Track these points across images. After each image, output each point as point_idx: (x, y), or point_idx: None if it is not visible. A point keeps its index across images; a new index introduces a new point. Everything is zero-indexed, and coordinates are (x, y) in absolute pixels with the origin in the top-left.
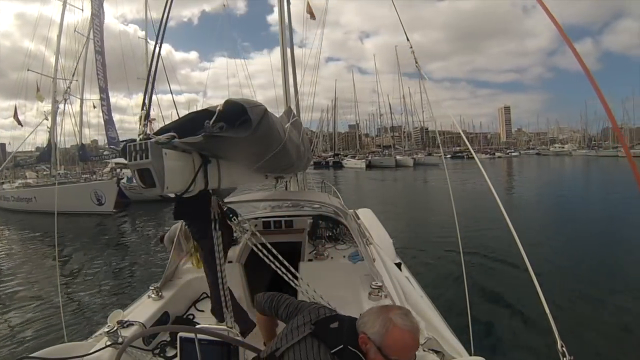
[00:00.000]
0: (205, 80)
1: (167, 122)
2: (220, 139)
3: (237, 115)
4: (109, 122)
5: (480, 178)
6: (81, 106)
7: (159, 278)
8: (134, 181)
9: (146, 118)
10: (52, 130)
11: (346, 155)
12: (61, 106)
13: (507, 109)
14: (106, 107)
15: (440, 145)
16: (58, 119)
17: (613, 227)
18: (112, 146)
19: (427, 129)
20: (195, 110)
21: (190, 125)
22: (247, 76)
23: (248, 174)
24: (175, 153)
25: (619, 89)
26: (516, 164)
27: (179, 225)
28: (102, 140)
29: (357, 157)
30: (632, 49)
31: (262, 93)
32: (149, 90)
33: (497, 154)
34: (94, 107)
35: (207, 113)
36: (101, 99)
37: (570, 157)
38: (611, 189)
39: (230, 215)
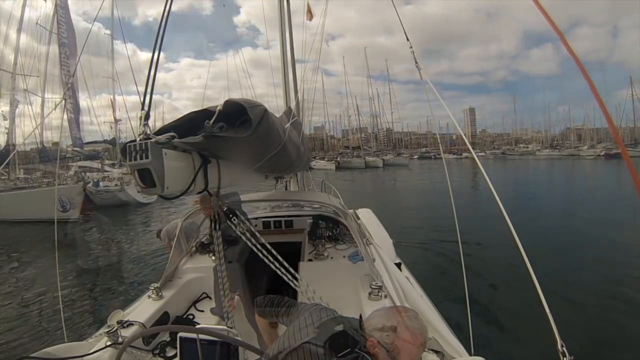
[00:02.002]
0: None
1: (134, 124)
2: (220, 139)
3: (237, 115)
4: (74, 121)
5: (450, 177)
6: (42, 106)
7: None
8: (101, 185)
9: (146, 118)
10: (10, 131)
11: (315, 157)
12: (21, 106)
13: (472, 111)
14: (72, 105)
15: (440, 145)
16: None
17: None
18: (76, 148)
19: (392, 130)
20: (161, 111)
21: (190, 125)
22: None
23: (248, 174)
24: (175, 153)
25: (581, 93)
26: (482, 163)
27: (178, 223)
28: (64, 142)
29: (326, 159)
30: (589, 54)
31: (228, 94)
32: (148, 90)
33: (464, 154)
34: (56, 107)
35: (207, 113)
36: (65, 95)
37: (534, 156)
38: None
39: (230, 216)
